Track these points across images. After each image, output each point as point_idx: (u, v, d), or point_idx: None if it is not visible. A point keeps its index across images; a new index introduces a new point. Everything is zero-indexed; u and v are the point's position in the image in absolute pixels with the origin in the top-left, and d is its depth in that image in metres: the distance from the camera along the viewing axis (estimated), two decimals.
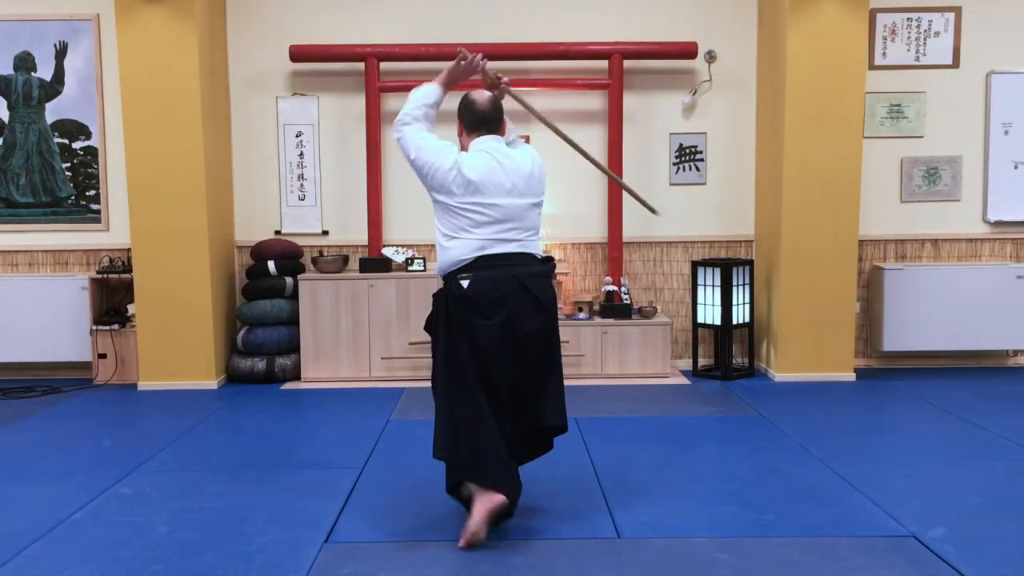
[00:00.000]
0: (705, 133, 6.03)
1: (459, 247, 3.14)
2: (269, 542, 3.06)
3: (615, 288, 5.82)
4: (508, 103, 3.44)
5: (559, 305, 5.77)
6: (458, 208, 3.12)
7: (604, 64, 5.88)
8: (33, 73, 5.89)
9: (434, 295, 3.28)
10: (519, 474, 3.15)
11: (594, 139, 6.02)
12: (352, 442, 4.31)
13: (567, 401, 3.26)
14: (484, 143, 3.22)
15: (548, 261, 3.27)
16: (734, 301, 5.66)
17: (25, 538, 3.14)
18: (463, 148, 3.27)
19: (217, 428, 4.65)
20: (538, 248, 3.24)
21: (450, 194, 3.12)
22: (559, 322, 3.38)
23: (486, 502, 2.99)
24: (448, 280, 3.19)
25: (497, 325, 3.05)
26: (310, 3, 5.96)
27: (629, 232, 6.03)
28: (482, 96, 3.28)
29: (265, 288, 5.73)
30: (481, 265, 3.10)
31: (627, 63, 5.87)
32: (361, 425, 4.63)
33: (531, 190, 3.19)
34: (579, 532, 3.14)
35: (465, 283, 3.08)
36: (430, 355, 5.59)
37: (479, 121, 3.25)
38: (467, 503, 3.09)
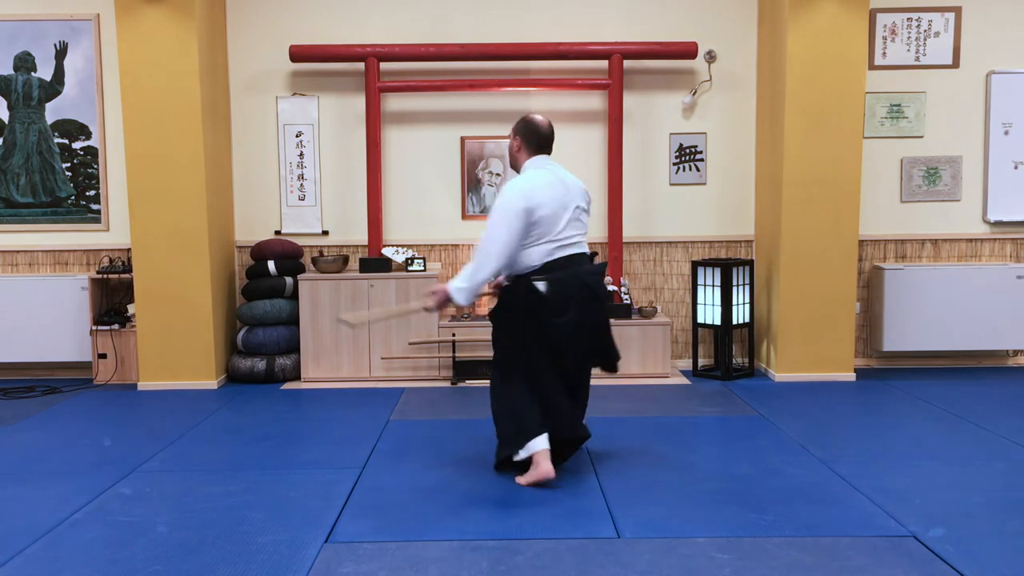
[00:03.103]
0: (705, 133, 6.04)
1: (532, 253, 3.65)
2: (269, 542, 3.07)
3: (615, 288, 5.82)
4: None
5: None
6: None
7: (604, 64, 5.88)
8: (33, 73, 5.90)
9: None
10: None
11: (594, 139, 6.02)
12: (352, 442, 4.31)
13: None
14: (541, 161, 3.77)
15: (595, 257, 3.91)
16: (734, 301, 5.67)
17: (25, 538, 3.14)
18: (518, 163, 3.81)
19: (217, 428, 4.65)
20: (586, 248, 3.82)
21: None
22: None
23: (539, 473, 3.56)
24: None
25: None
26: (310, 3, 5.96)
27: (629, 232, 6.03)
28: (544, 119, 3.79)
29: (265, 288, 5.73)
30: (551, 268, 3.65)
31: (627, 63, 5.87)
32: (361, 425, 4.63)
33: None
34: (579, 532, 3.14)
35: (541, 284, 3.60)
36: (429, 355, 5.63)
37: (540, 143, 3.78)
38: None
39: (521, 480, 3.61)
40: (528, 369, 3.64)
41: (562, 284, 3.58)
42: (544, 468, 3.54)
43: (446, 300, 3.62)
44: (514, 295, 3.65)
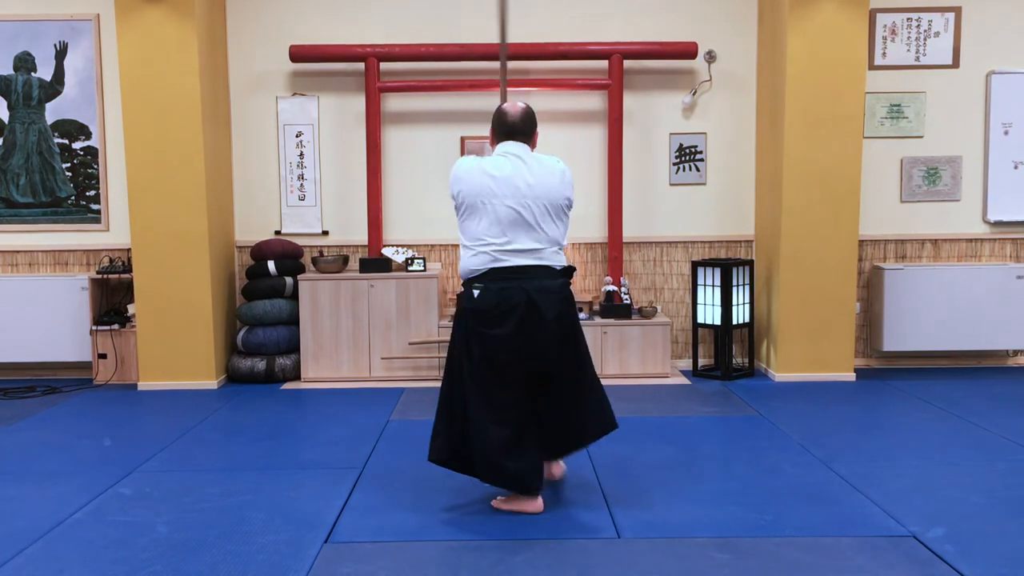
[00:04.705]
0: (705, 133, 6.04)
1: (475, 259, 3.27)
2: (269, 542, 3.07)
3: (615, 288, 5.82)
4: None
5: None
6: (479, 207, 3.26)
7: (604, 64, 5.88)
8: (33, 73, 5.89)
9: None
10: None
11: (594, 139, 6.02)
12: (352, 442, 4.32)
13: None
14: (504, 147, 3.34)
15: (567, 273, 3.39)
16: (734, 301, 5.67)
17: (25, 538, 3.14)
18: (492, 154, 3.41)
19: (217, 428, 4.65)
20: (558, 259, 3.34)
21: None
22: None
23: (522, 505, 3.32)
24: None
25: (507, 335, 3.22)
26: (310, 3, 5.96)
27: (629, 232, 6.03)
28: (514, 108, 3.38)
29: (265, 288, 5.73)
30: (492, 277, 3.25)
31: (627, 63, 5.87)
32: (361, 425, 4.63)
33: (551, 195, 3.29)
34: (579, 532, 3.14)
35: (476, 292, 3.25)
36: (429, 355, 5.63)
37: (508, 131, 3.36)
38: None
39: (498, 504, 3.37)
40: (465, 386, 3.29)
41: (502, 294, 3.19)
42: (531, 503, 3.30)
43: None
44: (459, 302, 3.36)
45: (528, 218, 3.23)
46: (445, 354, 5.57)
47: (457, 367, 3.34)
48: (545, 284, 3.24)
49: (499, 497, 3.42)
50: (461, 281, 3.38)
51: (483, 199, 3.22)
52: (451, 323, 5.66)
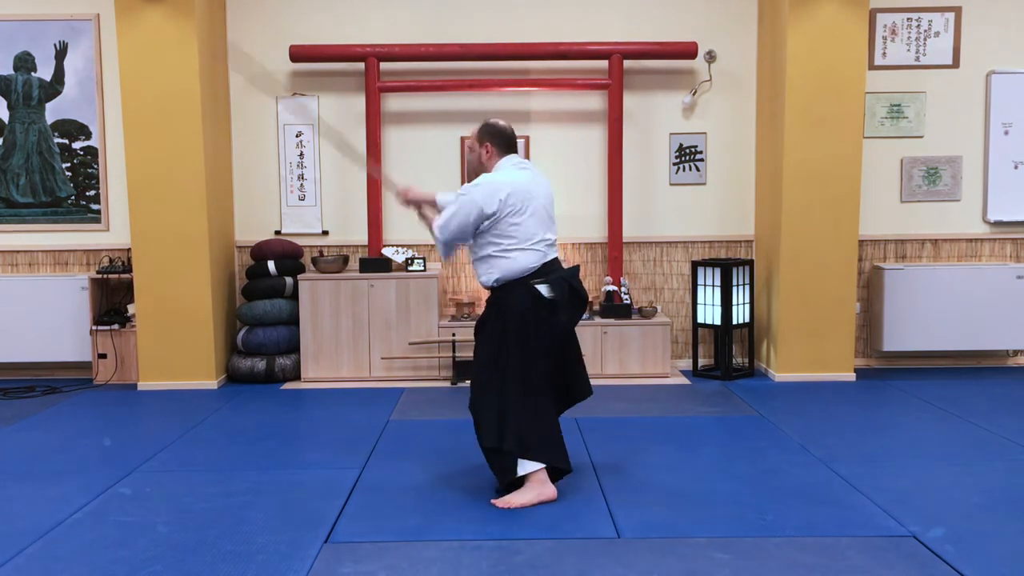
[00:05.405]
0: (705, 133, 6.04)
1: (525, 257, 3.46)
2: (269, 542, 3.07)
3: (615, 288, 5.82)
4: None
5: None
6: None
7: (604, 64, 5.88)
8: (33, 73, 5.89)
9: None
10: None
11: (594, 139, 6.02)
12: (352, 442, 4.31)
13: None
14: (517, 159, 3.61)
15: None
16: (734, 301, 5.67)
17: (25, 538, 3.14)
18: (488, 170, 3.57)
19: (217, 428, 4.65)
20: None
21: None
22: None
23: (542, 493, 3.40)
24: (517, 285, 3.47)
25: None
26: (310, 3, 5.96)
27: (629, 232, 6.03)
28: (503, 123, 3.64)
29: (265, 288, 5.73)
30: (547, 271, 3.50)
31: (627, 63, 5.87)
32: (361, 425, 4.63)
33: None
34: (579, 532, 3.14)
35: (543, 288, 3.42)
36: (429, 355, 5.63)
37: (509, 143, 3.60)
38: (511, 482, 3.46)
39: (519, 501, 3.39)
40: (530, 381, 3.40)
41: (559, 285, 3.44)
42: (549, 489, 3.42)
43: (417, 205, 3.72)
44: (512, 301, 3.41)
45: (552, 216, 3.57)
46: (445, 354, 5.62)
47: (520, 360, 3.39)
48: (571, 271, 3.56)
49: (500, 496, 3.44)
50: (501, 283, 3.46)
51: (527, 202, 3.45)
52: (451, 323, 5.69)
